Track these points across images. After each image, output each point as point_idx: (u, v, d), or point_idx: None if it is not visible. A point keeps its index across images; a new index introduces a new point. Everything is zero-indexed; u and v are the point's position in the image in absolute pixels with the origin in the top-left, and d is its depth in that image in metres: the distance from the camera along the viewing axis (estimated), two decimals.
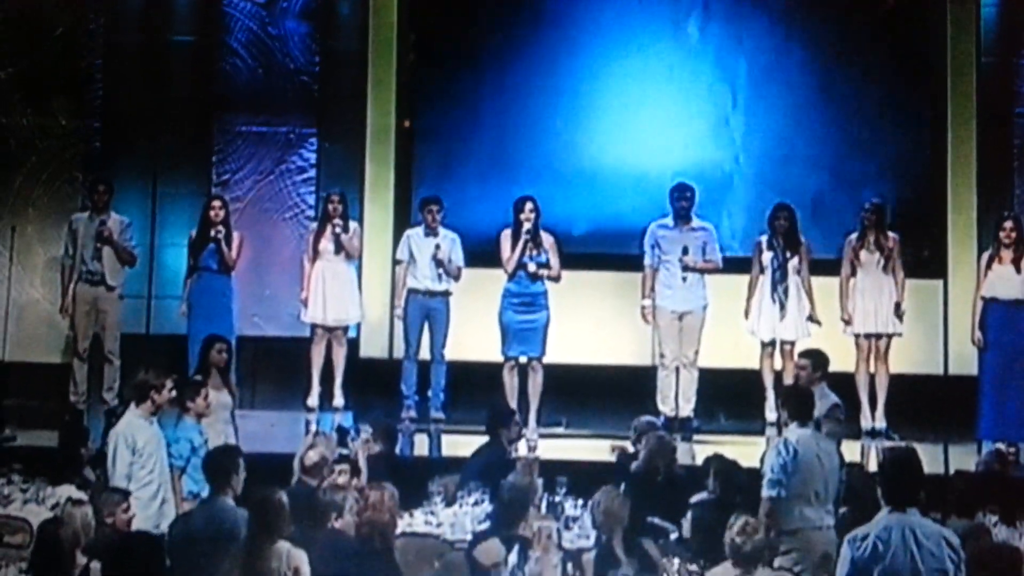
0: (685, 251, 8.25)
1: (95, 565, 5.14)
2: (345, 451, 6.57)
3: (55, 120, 9.31)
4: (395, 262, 8.74)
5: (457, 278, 8.46)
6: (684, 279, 8.28)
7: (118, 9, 9.49)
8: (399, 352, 8.76)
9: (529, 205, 8.19)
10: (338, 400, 8.71)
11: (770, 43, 9.43)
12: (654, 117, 9.42)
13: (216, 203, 8.63)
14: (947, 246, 9.26)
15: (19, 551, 5.89)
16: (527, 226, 8.16)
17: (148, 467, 6.22)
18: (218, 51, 9.48)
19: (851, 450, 6.82)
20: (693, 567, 5.34)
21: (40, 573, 5.18)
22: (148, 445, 6.23)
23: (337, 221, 8.54)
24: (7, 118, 9.32)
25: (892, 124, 9.40)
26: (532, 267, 8.15)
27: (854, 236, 8.51)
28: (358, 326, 8.99)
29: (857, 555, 4.73)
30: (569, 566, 5.53)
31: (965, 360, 8.73)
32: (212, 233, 8.43)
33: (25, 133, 9.31)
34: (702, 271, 8.28)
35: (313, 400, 8.68)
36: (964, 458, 7.89)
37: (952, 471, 7.07)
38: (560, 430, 8.35)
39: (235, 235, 8.59)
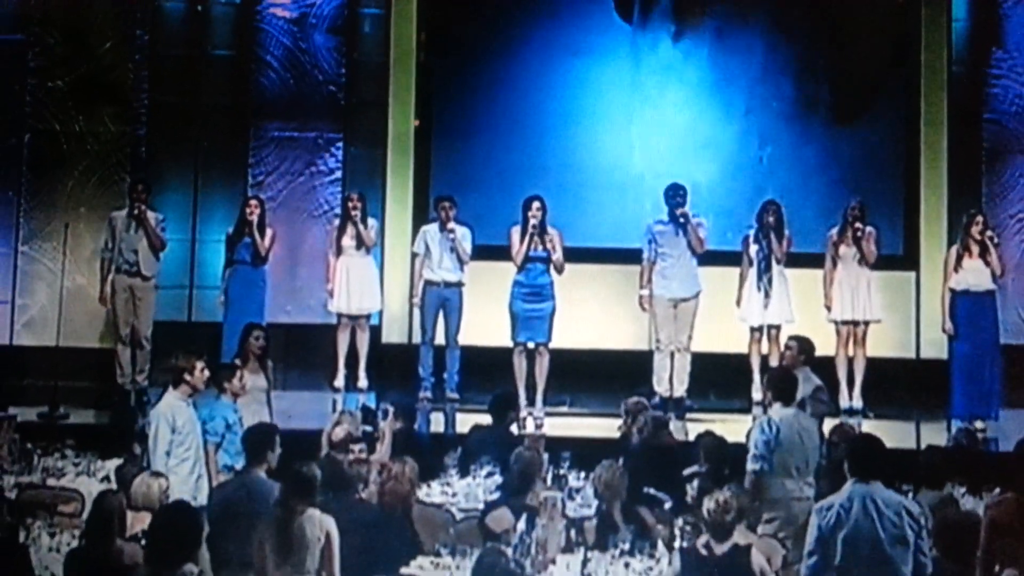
0: (683, 223, 8.21)
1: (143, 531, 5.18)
2: (368, 428, 6.60)
3: (105, 126, 9.35)
4: (413, 256, 8.77)
5: (465, 263, 8.46)
6: (680, 258, 8.26)
7: (163, 25, 9.51)
8: (417, 338, 8.79)
9: (536, 204, 8.22)
10: (362, 382, 8.75)
11: (756, 55, 9.42)
12: (653, 122, 9.42)
13: (252, 202, 8.69)
14: (919, 241, 9.26)
15: (71, 519, 5.92)
16: (533, 222, 8.19)
17: (186, 444, 6.25)
18: (253, 64, 9.50)
19: (831, 428, 6.81)
20: (687, 527, 5.38)
21: (94, 537, 5.20)
22: (186, 425, 6.26)
23: (356, 215, 8.59)
24: (61, 124, 9.37)
25: (870, 128, 9.39)
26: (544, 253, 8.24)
27: (835, 231, 8.52)
28: (379, 314, 9.02)
29: (823, 523, 4.76)
30: (572, 532, 5.56)
31: (935, 345, 8.73)
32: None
33: (77, 138, 9.36)
34: (694, 235, 8.21)
35: (339, 382, 8.72)
36: (934, 434, 7.89)
37: (923, 446, 7.08)
38: (564, 409, 8.37)
39: (268, 230, 8.65)
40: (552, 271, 8.27)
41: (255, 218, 8.56)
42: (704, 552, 5.10)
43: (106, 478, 6.33)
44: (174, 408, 6.26)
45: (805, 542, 4.88)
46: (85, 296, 9.04)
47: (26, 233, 9.28)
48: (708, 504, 5.14)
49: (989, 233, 8.08)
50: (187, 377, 6.26)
